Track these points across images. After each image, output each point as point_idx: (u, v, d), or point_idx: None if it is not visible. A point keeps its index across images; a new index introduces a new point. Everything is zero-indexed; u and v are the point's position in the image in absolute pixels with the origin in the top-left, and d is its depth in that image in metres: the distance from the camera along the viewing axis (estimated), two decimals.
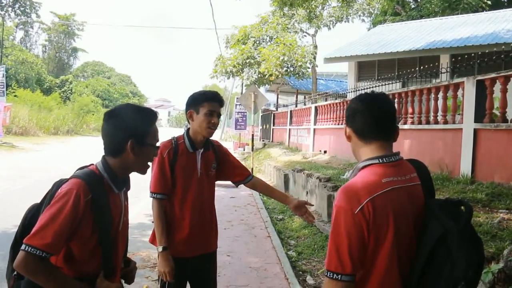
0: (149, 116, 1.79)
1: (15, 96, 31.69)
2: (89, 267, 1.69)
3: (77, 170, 1.74)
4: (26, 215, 1.74)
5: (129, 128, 1.72)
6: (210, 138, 2.77)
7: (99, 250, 1.69)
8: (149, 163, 1.85)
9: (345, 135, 1.72)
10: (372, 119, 1.61)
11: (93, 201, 1.63)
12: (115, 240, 1.76)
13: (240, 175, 2.89)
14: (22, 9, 45.40)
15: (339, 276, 1.40)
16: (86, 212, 1.61)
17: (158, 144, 1.84)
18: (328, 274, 1.42)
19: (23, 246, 1.51)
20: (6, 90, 24.55)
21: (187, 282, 2.74)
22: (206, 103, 2.59)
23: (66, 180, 1.68)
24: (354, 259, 1.41)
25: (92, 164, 1.76)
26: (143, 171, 1.82)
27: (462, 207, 1.50)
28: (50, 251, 1.52)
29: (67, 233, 1.56)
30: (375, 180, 1.49)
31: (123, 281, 1.94)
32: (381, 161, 1.55)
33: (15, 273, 1.63)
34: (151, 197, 2.61)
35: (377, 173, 1.52)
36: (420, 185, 1.60)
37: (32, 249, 1.50)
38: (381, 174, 1.51)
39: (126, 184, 1.83)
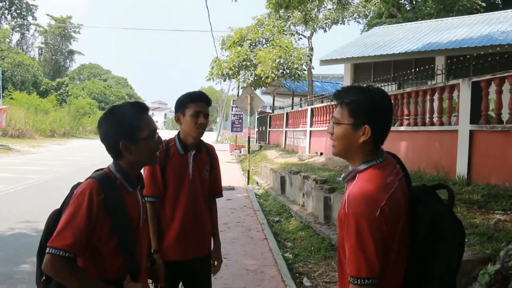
0: (135, 110, 1.77)
1: (11, 98, 31.57)
2: (113, 267, 1.71)
3: (93, 173, 1.78)
4: (49, 220, 1.78)
5: (116, 130, 1.72)
6: (204, 140, 2.75)
7: (121, 250, 1.71)
8: (157, 153, 1.86)
9: (349, 134, 1.57)
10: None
11: (106, 200, 1.65)
12: (136, 239, 1.77)
13: (212, 190, 2.79)
14: (18, 11, 45.22)
15: (370, 280, 1.40)
16: (100, 212, 1.64)
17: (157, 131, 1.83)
18: (359, 281, 1.41)
19: (47, 249, 1.57)
20: (2, 92, 24.53)
21: (181, 285, 2.71)
22: (191, 104, 2.56)
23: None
24: (380, 261, 1.42)
25: (106, 167, 1.81)
26: (151, 163, 1.88)
27: (442, 190, 1.59)
28: (72, 251, 1.57)
29: (86, 232, 1.60)
30: (383, 181, 1.50)
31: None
32: (378, 162, 1.55)
33: (44, 278, 1.68)
34: (143, 200, 2.58)
35: (380, 174, 1.52)
36: (403, 176, 1.64)
37: (55, 251, 1.55)
38: (383, 174, 1.52)
39: (140, 182, 1.85)
